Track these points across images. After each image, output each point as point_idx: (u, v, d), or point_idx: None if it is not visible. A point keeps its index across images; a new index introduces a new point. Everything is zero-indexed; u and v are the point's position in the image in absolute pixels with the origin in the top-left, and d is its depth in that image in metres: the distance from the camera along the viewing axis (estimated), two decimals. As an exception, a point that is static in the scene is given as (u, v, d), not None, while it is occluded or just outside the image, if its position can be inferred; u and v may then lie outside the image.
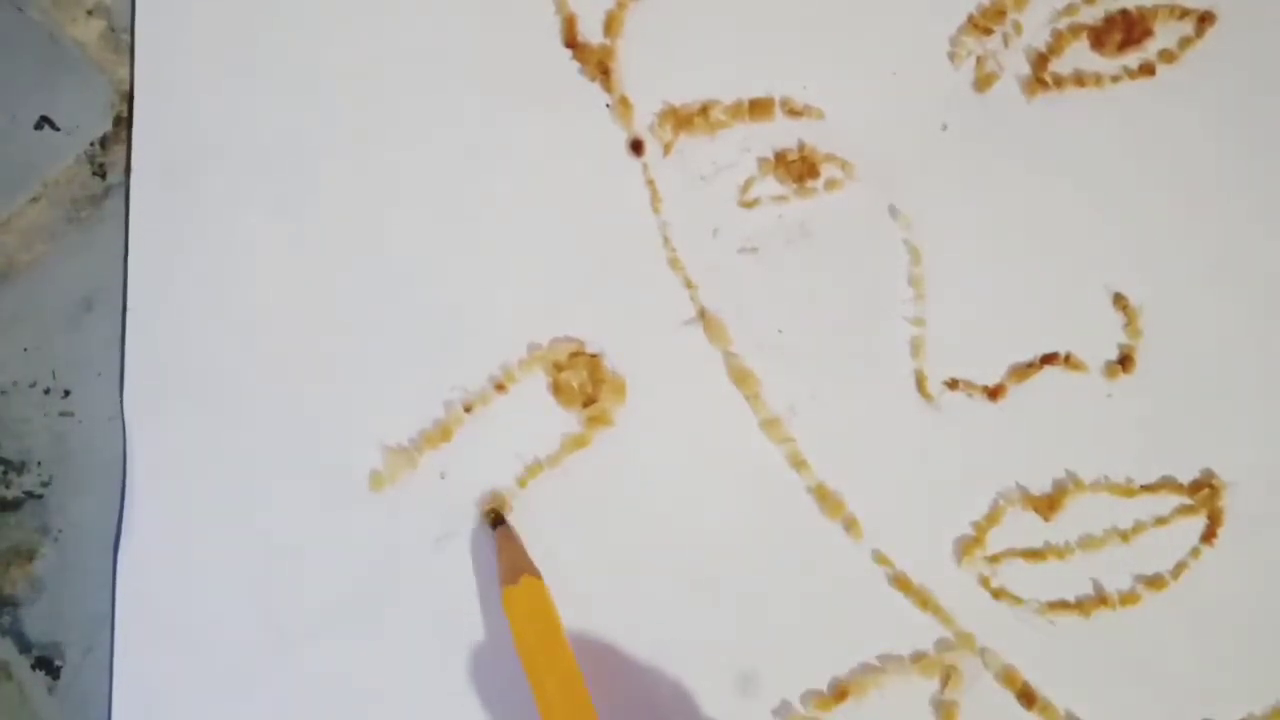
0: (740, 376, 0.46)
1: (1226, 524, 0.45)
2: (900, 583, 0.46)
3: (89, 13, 0.48)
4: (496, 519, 0.45)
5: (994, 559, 0.46)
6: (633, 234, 0.47)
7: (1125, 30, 0.47)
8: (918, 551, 0.46)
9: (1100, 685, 0.45)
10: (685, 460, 0.46)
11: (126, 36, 0.48)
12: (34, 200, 0.48)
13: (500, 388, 0.46)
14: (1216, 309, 0.46)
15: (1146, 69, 0.47)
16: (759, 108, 0.47)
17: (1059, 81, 0.47)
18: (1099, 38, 0.47)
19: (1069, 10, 0.47)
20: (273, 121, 0.47)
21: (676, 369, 0.46)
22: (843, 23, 0.48)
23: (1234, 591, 0.45)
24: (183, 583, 0.46)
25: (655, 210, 0.47)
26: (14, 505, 0.47)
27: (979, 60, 0.47)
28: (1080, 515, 0.46)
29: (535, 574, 0.44)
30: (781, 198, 0.47)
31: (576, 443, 0.46)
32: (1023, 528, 0.46)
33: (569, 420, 0.46)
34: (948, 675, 0.45)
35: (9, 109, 0.48)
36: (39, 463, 0.47)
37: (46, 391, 0.47)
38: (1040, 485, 0.46)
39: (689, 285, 0.47)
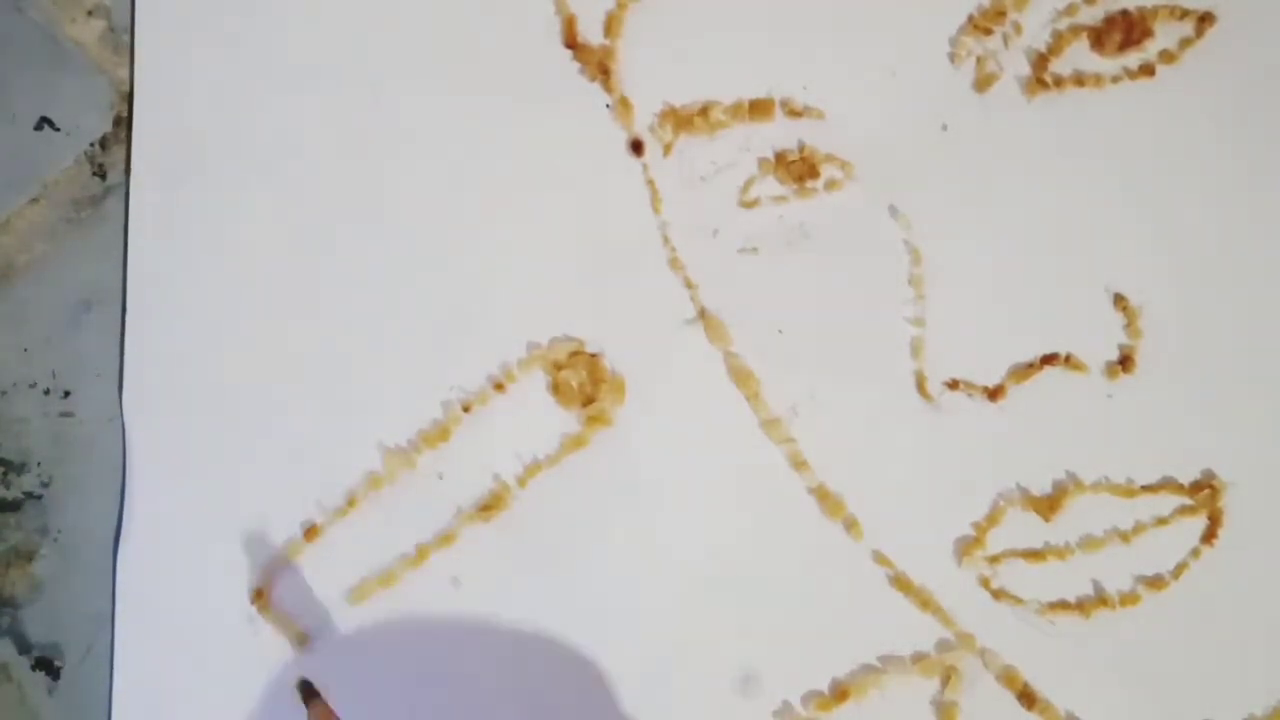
0: (740, 376, 0.46)
1: (1226, 524, 0.45)
2: (901, 583, 0.46)
3: (89, 13, 0.48)
4: (309, 693, 0.44)
5: (994, 559, 0.45)
6: (633, 234, 0.47)
7: (1125, 30, 0.47)
8: (918, 552, 0.46)
9: (1100, 685, 0.45)
10: (685, 460, 0.46)
11: (126, 36, 0.48)
12: (34, 200, 0.48)
13: (499, 387, 0.46)
14: (1216, 309, 0.46)
15: (1146, 69, 0.47)
16: (759, 108, 0.47)
17: (1059, 81, 0.47)
18: (1099, 38, 0.47)
19: (1069, 10, 0.47)
20: (273, 122, 0.47)
21: (676, 369, 0.46)
22: (843, 23, 0.47)
23: (1234, 591, 0.45)
24: (183, 583, 0.46)
25: (655, 210, 0.47)
26: (14, 506, 0.47)
27: (979, 60, 0.47)
28: (1080, 516, 0.46)
29: None
30: (781, 198, 0.47)
31: (576, 442, 0.46)
32: (1023, 528, 0.46)
33: (568, 420, 0.46)
34: (948, 676, 0.45)
35: (9, 109, 0.48)
36: (39, 463, 0.47)
37: (46, 392, 0.47)
38: (1040, 486, 0.46)
39: (689, 285, 0.47)
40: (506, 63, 0.48)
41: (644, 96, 0.47)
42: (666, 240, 0.47)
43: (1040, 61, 0.47)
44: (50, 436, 0.47)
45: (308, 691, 0.44)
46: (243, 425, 0.46)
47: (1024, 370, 0.46)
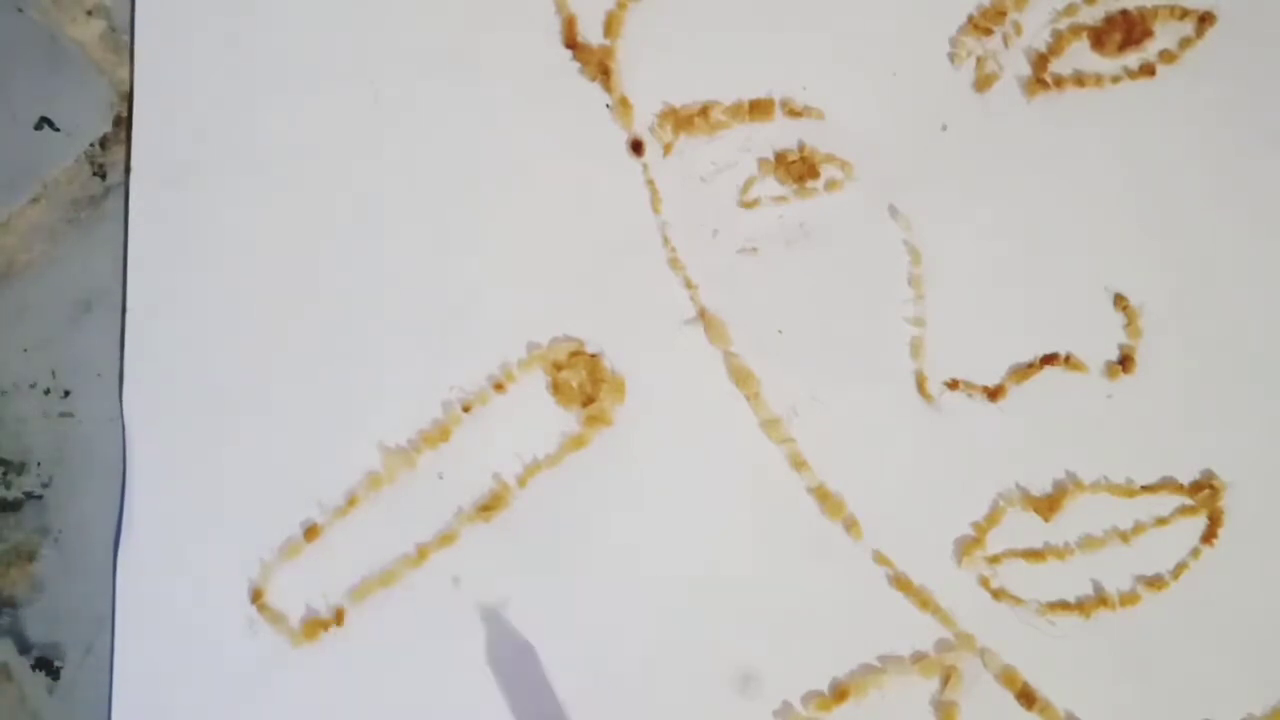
0: (740, 376, 0.46)
1: (1226, 524, 0.45)
2: (900, 583, 0.46)
3: (89, 13, 0.48)
4: None
5: (994, 559, 0.45)
6: (633, 234, 0.47)
7: (1125, 30, 0.47)
8: (918, 552, 0.46)
9: (1100, 685, 0.45)
10: (685, 460, 0.46)
11: (126, 36, 0.48)
12: (34, 200, 0.48)
13: (499, 387, 0.46)
14: (1216, 309, 0.46)
15: (1146, 69, 0.47)
16: (759, 108, 0.47)
17: (1059, 81, 0.47)
18: (1099, 38, 0.47)
19: (1069, 10, 0.47)
20: (273, 122, 0.47)
21: (676, 369, 0.46)
22: (843, 23, 0.47)
23: (1234, 591, 0.45)
24: (183, 583, 0.46)
25: (655, 210, 0.47)
26: (14, 506, 0.47)
27: (979, 60, 0.47)
28: (1080, 516, 0.46)
29: None
30: (781, 198, 0.47)
31: (576, 442, 0.46)
32: (1023, 528, 0.46)
33: (568, 420, 0.46)
34: (948, 676, 0.45)
35: (9, 109, 0.48)
36: (39, 463, 0.47)
37: (46, 392, 0.47)
38: (1040, 486, 0.46)
39: (689, 285, 0.47)
40: (506, 63, 0.48)
41: (644, 96, 0.47)
42: (666, 240, 0.47)
43: (1040, 61, 0.47)
44: (50, 436, 0.47)
45: None
46: (243, 425, 0.46)
47: (1024, 370, 0.46)
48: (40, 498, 0.47)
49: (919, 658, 0.45)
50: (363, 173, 0.47)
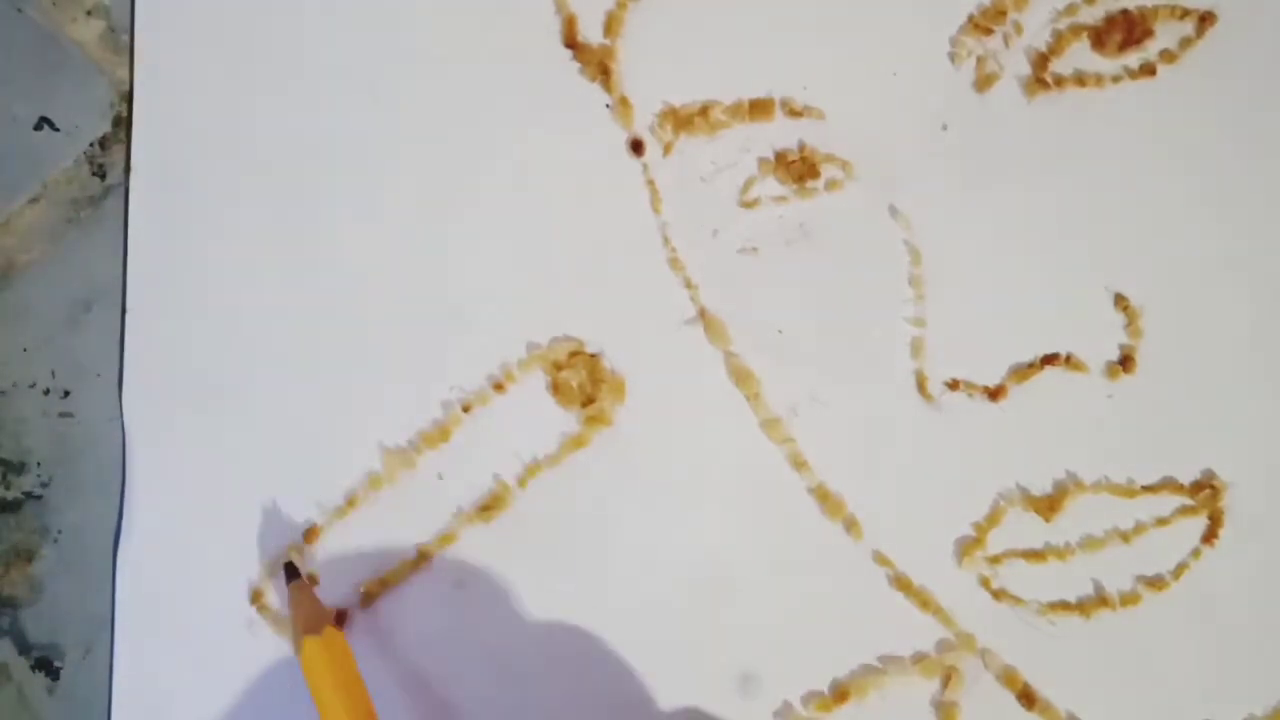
0: (740, 376, 0.46)
1: (1227, 524, 0.45)
2: (901, 583, 0.46)
3: (89, 13, 0.48)
4: (292, 572, 0.45)
5: (994, 560, 0.45)
6: (633, 234, 0.47)
7: (1125, 30, 0.47)
8: (918, 552, 0.46)
9: (1101, 686, 0.45)
10: (685, 460, 0.46)
11: (126, 36, 0.48)
12: (34, 200, 0.48)
13: (499, 387, 0.46)
14: (1217, 309, 0.46)
15: (1146, 69, 0.47)
16: (759, 108, 0.47)
17: (1059, 81, 0.47)
18: (1099, 38, 0.47)
19: (1069, 10, 0.47)
20: (273, 121, 0.47)
21: (676, 369, 0.46)
22: (843, 23, 0.47)
23: (1234, 592, 0.45)
24: (183, 583, 0.46)
25: (655, 210, 0.47)
26: (14, 506, 0.47)
27: (979, 60, 0.47)
28: (1081, 516, 0.46)
29: (335, 625, 0.43)
30: (781, 198, 0.47)
31: (576, 443, 0.46)
32: (1023, 528, 0.46)
33: (568, 420, 0.46)
34: (948, 676, 0.45)
35: (9, 109, 0.48)
36: (39, 463, 0.47)
37: (46, 392, 0.47)
38: (1041, 486, 0.46)
39: (689, 285, 0.47)
40: (506, 62, 0.48)
41: (644, 96, 0.47)
42: (666, 240, 0.47)
43: (1040, 61, 0.47)
44: (50, 436, 0.47)
45: (291, 572, 0.44)
46: (243, 426, 0.46)
47: (1024, 370, 0.46)
48: (40, 498, 0.47)
49: (919, 658, 0.45)
50: (362, 173, 0.47)
